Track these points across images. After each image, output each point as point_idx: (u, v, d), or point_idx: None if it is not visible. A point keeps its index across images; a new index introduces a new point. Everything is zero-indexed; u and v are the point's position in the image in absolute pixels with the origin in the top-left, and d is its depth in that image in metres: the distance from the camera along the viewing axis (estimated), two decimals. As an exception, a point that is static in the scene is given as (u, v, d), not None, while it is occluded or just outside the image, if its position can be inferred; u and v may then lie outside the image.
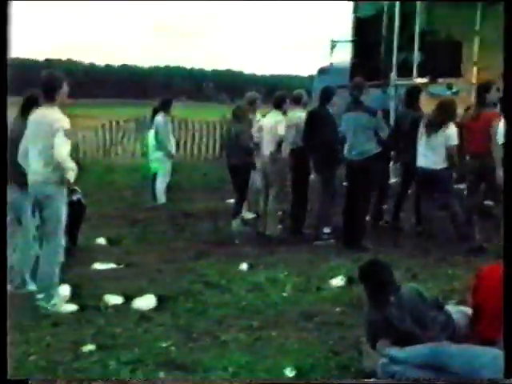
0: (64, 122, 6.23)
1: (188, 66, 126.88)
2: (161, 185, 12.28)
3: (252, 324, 5.82)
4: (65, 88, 6.40)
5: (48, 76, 6.42)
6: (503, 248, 4.44)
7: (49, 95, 6.33)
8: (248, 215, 10.57)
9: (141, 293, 6.62)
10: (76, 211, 8.24)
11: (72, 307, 6.30)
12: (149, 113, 13.51)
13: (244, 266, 7.82)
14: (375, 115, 8.77)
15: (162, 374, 4.77)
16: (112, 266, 8.00)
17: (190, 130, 21.29)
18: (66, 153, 6.16)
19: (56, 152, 6.12)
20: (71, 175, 6.23)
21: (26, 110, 6.76)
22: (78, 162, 6.55)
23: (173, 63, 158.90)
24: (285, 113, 9.70)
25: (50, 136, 6.15)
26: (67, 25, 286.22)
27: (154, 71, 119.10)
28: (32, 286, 6.76)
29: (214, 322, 5.90)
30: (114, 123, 21.44)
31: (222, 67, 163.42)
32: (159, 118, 12.15)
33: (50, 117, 6.25)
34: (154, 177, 12.48)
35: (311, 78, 18.72)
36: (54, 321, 5.95)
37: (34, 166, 6.36)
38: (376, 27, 15.12)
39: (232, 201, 11.04)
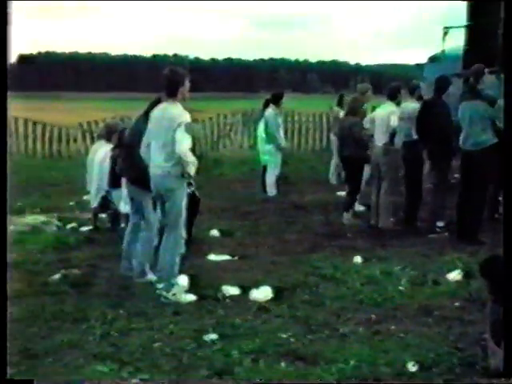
0: (185, 116, 6.43)
1: (292, 58, 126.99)
2: (271, 177, 12.41)
3: (370, 317, 5.84)
4: (187, 84, 6.59)
5: (171, 72, 6.61)
6: (503, 246, 4.47)
7: (171, 91, 6.53)
8: (359, 207, 10.54)
9: (257, 284, 6.75)
10: (191, 203, 8.45)
11: (191, 297, 6.50)
12: (255, 106, 13.65)
13: (358, 259, 7.82)
14: (494, 104, 8.54)
15: (282, 365, 4.86)
16: (226, 257, 8.17)
17: (296, 121, 21.38)
18: (186, 147, 6.36)
19: (177, 146, 6.33)
20: (191, 169, 6.43)
21: (151, 110, 6.99)
22: (197, 156, 6.75)
23: (277, 56, 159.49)
24: (398, 104, 9.61)
25: (172, 131, 6.36)
26: (171, 20, 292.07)
27: (259, 64, 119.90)
28: (151, 276, 7.03)
29: (331, 315, 5.95)
30: (221, 116, 21.77)
31: (326, 58, 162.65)
32: (270, 110, 12.29)
33: (172, 112, 6.46)
34: (264, 169, 12.63)
35: (419, 66, 18.30)
36: (175, 310, 6.16)
37: (155, 160, 6.59)
38: (493, 10, 14.57)
39: (342, 193, 11.04)
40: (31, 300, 6.45)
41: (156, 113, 6.68)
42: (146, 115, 6.94)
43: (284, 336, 5.42)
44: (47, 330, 5.64)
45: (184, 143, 6.35)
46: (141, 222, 7.22)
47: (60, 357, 5.06)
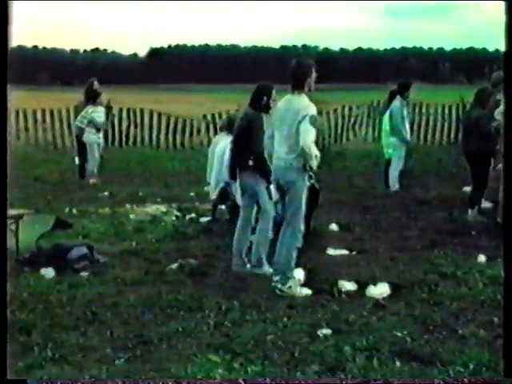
0: (311, 109, 6.45)
1: (425, 47, 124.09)
2: (394, 171, 12.25)
3: (493, 320, 5.66)
4: (313, 75, 6.61)
5: (298, 64, 6.65)
6: (503, 248, 4.40)
7: (298, 83, 6.57)
8: (485, 204, 10.21)
9: (374, 280, 6.69)
10: (310, 197, 8.47)
11: (307, 291, 6.53)
12: (382, 97, 13.48)
13: (482, 258, 7.59)
14: None
15: (397, 364, 4.80)
16: (344, 252, 8.14)
17: (423, 113, 20.92)
18: (311, 140, 6.38)
19: (301, 139, 6.36)
20: (314, 162, 6.44)
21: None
22: (320, 149, 6.76)
23: (409, 44, 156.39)
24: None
25: (297, 123, 6.40)
26: (301, 10, 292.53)
27: (390, 53, 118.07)
28: (267, 268, 7.12)
29: (450, 315, 5.82)
30: (346, 108, 21.62)
31: (462, 45, 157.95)
32: (396, 102, 12.11)
33: (298, 104, 6.50)
34: (388, 163, 12.47)
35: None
36: (290, 303, 6.20)
37: (278, 151, 6.67)
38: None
39: (468, 189, 10.73)
40: (148, 288, 6.68)
41: (281, 104, 6.74)
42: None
43: (399, 334, 5.34)
44: (163, 318, 5.82)
45: (309, 136, 6.37)
46: (252, 216, 7.34)
47: (174, 344, 5.21)
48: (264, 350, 5.09)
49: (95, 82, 14.63)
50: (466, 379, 4.57)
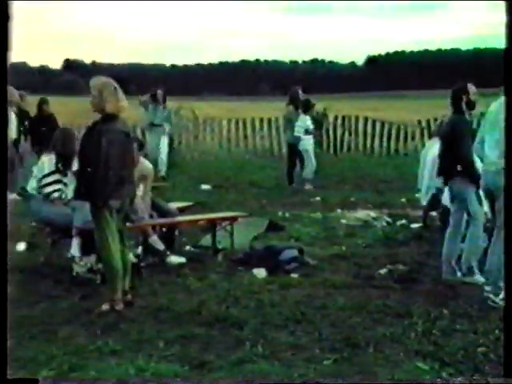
0: None
1: None
2: None
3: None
4: None
5: None
6: (504, 248, 4.37)
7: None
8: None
9: None
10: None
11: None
12: None
13: None
14: None
15: None
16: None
17: None
18: None
19: None
20: None
21: None
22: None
23: None
24: None
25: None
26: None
27: None
28: (478, 277, 6.85)
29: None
30: None
31: None
32: None
33: None
34: None
35: None
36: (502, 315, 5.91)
37: (489, 156, 6.40)
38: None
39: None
40: (357, 291, 6.68)
41: (493, 107, 6.48)
42: None
43: None
44: (370, 322, 5.79)
45: None
46: (461, 223, 7.09)
47: (381, 349, 5.15)
48: (474, 362, 4.89)
49: (299, 91, 14.88)
50: (466, 379, 4.37)
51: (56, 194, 7.64)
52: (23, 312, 5.98)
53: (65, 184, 7.66)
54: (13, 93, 13.02)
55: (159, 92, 15.78)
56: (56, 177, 7.67)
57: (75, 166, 7.55)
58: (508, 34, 4.63)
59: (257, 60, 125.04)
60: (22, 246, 8.39)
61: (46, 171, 7.65)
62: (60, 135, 7.93)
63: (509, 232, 4.32)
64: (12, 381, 3.99)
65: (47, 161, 7.72)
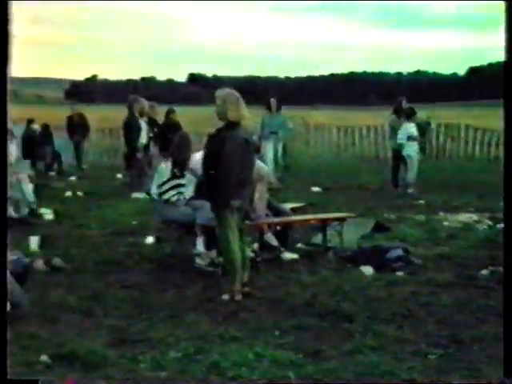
0: None
1: None
2: None
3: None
4: None
5: None
6: (503, 248, 4.21)
7: None
8: None
9: None
10: None
11: None
12: None
13: None
14: None
15: None
16: None
17: None
18: None
19: None
20: None
21: None
22: None
23: None
24: None
25: None
26: None
27: None
28: None
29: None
30: None
31: None
32: None
33: None
34: None
35: None
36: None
37: None
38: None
39: None
40: (460, 290, 6.50)
41: None
42: None
43: None
44: (473, 320, 5.60)
45: None
46: None
47: (485, 347, 4.96)
48: None
49: (403, 101, 14.73)
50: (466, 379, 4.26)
51: (175, 198, 7.76)
52: (152, 298, 6.15)
53: (183, 185, 7.79)
54: (144, 103, 13.48)
55: (273, 101, 15.89)
56: (174, 182, 7.77)
57: (191, 167, 7.72)
58: (508, 35, 4.34)
59: (364, 72, 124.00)
60: (150, 239, 8.63)
61: (165, 178, 7.78)
62: (177, 140, 8.08)
63: (509, 228, 4.15)
64: (12, 381, 3.93)
65: (164, 168, 7.85)
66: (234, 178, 6.06)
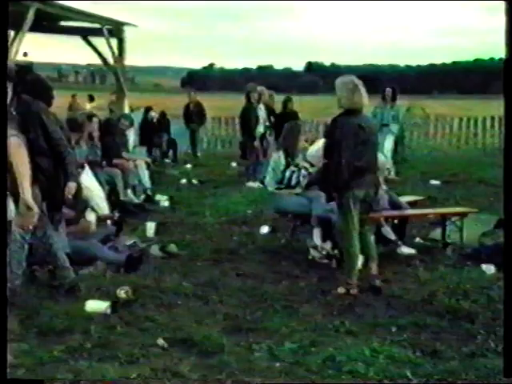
0: None
1: None
2: None
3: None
4: None
5: None
6: (503, 247, 4.20)
7: None
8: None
9: None
10: None
11: None
12: None
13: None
14: None
15: None
16: None
17: None
18: None
19: None
20: None
21: None
22: None
23: None
24: None
25: None
26: None
27: None
28: None
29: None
30: None
31: None
32: None
33: None
34: None
35: None
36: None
37: None
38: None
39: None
40: None
41: None
42: None
43: None
44: None
45: None
46: None
47: None
48: None
49: None
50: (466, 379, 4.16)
51: (290, 188, 7.78)
52: (267, 288, 6.22)
53: (298, 175, 7.80)
54: (263, 92, 13.62)
55: (388, 90, 15.37)
56: (288, 172, 7.80)
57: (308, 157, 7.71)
58: (508, 35, 4.18)
59: (491, 58, 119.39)
60: (265, 229, 8.71)
61: (281, 168, 7.80)
62: (287, 129, 8.10)
63: (509, 229, 3.90)
64: (12, 381, 3.92)
65: (277, 158, 7.89)
66: (351, 166, 5.99)
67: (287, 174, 7.80)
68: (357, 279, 6.13)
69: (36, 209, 5.08)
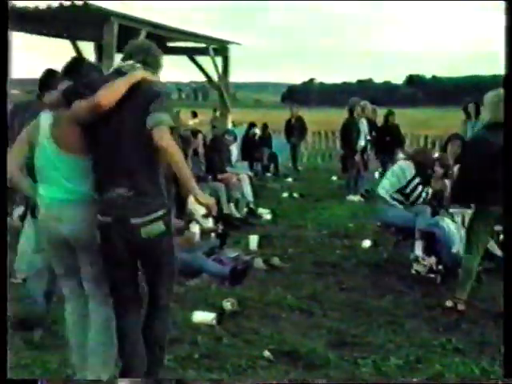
0: None
1: None
2: None
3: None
4: None
5: None
6: (503, 247, 4.42)
7: None
8: None
9: None
10: None
11: None
12: None
13: None
14: None
15: None
16: None
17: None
18: None
19: None
20: None
21: None
22: None
23: None
24: None
25: None
26: None
27: None
28: None
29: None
30: None
31: None
32: None
33: None
34: None
35: None
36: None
37: None
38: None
39: None
40: None
41: None
42: None
43: None
44: None
45: None
46: None
47: None
48: None
49: None
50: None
51: (421, 198, 7.61)
52: (371, 302, 6.13)
53: (427, 190, 7.62)
54: (367, 106, 13.53)
55: (470, 106, 13.97)
56: (418, 184, 7.61)
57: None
58: (508, 35, 3.93)
59: None
60: (367, 243, 8.60)
61: (408, 177, 7.64)
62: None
63: (509, 234, 3.59)
64: (12, 381, 3.89)
65: (406, 165, 7.69)
66: (473, 180, 5.78)
67: (414, 185, 7.61)
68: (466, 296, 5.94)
69: None
